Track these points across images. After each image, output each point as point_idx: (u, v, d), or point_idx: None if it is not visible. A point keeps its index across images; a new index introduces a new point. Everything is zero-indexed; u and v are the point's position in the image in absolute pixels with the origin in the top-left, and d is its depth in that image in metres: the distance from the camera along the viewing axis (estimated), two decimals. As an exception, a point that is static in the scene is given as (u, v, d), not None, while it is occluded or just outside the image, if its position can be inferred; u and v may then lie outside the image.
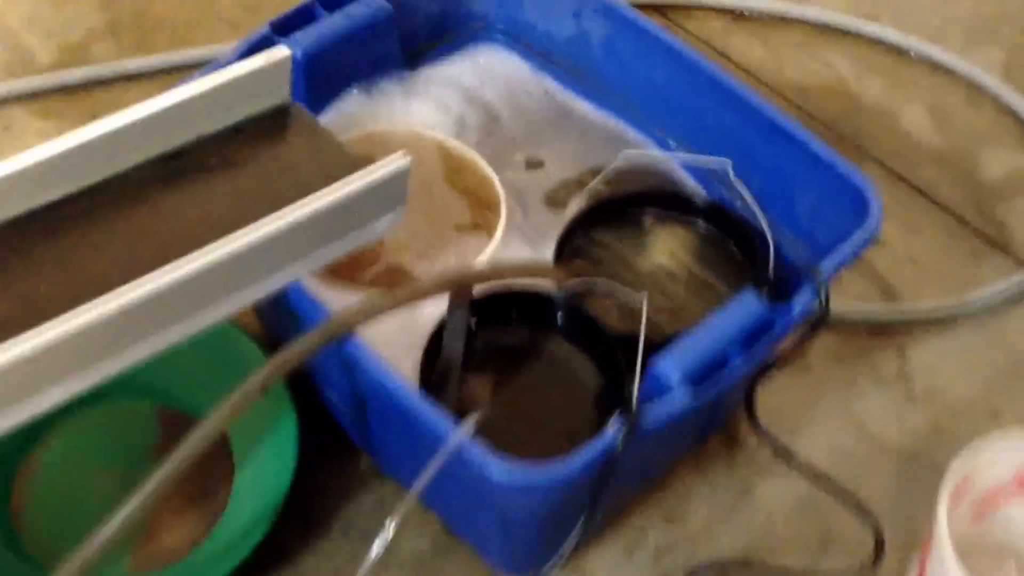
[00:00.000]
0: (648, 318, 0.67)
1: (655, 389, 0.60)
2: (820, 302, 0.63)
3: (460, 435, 0.57)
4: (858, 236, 0.66)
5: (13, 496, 0.72)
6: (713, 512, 0.75)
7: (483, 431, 0.62)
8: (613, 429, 0.58)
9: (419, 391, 0.66)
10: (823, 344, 0.83)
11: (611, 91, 0.81)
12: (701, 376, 0.60)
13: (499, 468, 0.57)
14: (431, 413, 0.59)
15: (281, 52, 0.65)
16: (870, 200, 0.67)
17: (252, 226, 0.58)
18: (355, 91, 0.78)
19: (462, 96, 0.81)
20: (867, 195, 0.67)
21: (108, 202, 0.61)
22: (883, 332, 0.84)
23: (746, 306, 0.62)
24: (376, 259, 0.73)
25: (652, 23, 0.76)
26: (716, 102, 0.73)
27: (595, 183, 0.76)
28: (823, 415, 0.80)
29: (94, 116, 0.89)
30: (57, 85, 0.93)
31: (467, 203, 0.76)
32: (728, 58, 1.01)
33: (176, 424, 0.74)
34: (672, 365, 0.60)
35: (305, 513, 0.72)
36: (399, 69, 0.80)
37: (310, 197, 0.60)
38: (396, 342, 0.68)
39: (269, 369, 0.57)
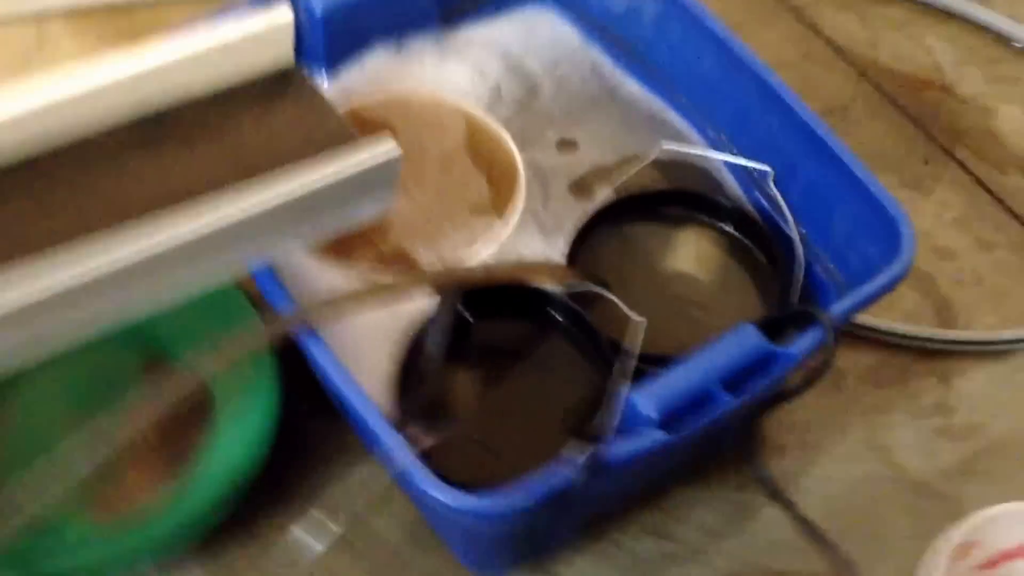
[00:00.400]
0: (664, 328, 0.63)
1: (631, 420, 0.57)
2: (828, 347, 0.58)
3: (405, 457, 0.54)
4: (882, 277, 0.61)
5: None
6: (709, 532, 0.71)
7: (465, 431, 0.60)
8: (573, 460, 0.55)
9: (395, 384, 0.64)
10: (862, 361, 0.77)
11: (660, 74, 0.75)
12: (679, 413, 0.56)
13: (444, 494, 0.54)
14: (382, 429, 0.56)
15: (282, 14, 0.61)
16: (902, 236, 0.61)
17: (216, 197, 0.56)
18: (384, 48, 0.74)
19: (502, 62, 0.76)
20: (900, 230, 0.62)
21: (81, 160, 0.59)
22: (929, 355, 0.78)
23: (742, 342, 0.58)
24: (381, 238, 0.69)
25: (703, 7, 0.70)
26: (761, 103, 0.68)
27: (627, 175, 0.71)
28: (850, 436, 0.75)
29: (133, 37, 0.88)
30: (99, 3, 0.90)
31: (487, 181, 0.72)
32: (818, 31, 0.94)
33: (162, 378, 0.72)
34: (648, 400, 0.56)
35: (284, 486, 0.70)
36: (435, 27, 0.76)
37: (285, 173, 0.57)
38: (382, 327, 0.65)
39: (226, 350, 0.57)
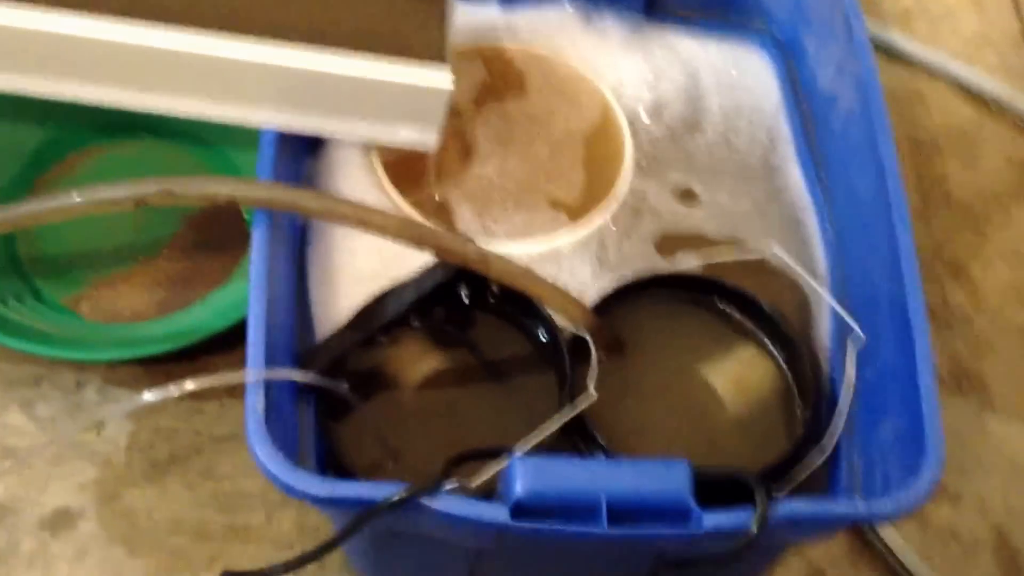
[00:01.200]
0: (656, 432, 0.57)
1: (504, 484, 0.48)
2: (752, 529, 0.47)
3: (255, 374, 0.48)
4: (863, 505, 0.49)
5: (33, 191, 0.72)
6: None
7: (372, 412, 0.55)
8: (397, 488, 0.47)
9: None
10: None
11: (826, 175, 0.64)
12: (544, 509, 0.47)
13: (256, 439, 0.48)
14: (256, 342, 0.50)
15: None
16: (923, 468, 0.49)
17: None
18: (572, 7, 0.67)
19: (684, 81, 0.67)
20: (925, 460, 0.49)
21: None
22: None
23: (659, 474, 0.48)
24: (441, 183, 0.63)
25: (888, 131, 0.58)
26: (884, 259, 0.56)
27: (722, 257, 0.61)
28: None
29: None
30: None
31: (585, 183, 0.64)
32: None
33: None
34: (524, 472, 0.47)
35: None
36: (636, 12, 0.68)
37: (331, 52, 0.54)
38: (373, 266, 0.59)
39: (153, 184, 0.53)
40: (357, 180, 0.61)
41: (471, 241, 0.55)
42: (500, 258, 0.55)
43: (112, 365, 0.66)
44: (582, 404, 0.53)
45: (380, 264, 0.58)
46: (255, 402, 0.49)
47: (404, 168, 0.61)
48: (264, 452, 0.48)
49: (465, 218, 0.62)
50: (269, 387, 0.50)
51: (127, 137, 0.73)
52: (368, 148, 0.61)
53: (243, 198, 0.53)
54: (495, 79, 0.66)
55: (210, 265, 0.69)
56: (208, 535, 0.62)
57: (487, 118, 0.65)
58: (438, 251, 0.54)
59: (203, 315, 0.66)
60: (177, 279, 0.68)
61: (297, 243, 0.59)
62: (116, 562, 0.61)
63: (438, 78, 0.54)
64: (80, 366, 0.66)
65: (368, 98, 0.55)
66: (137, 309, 0.68)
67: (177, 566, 0.61)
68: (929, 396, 0.51)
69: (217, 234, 0.69)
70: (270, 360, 0.51)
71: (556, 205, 0.63)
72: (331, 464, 0.54)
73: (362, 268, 0.58)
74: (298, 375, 0.51)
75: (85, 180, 0.71)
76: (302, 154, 0.60)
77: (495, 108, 0.66)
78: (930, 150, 0.80)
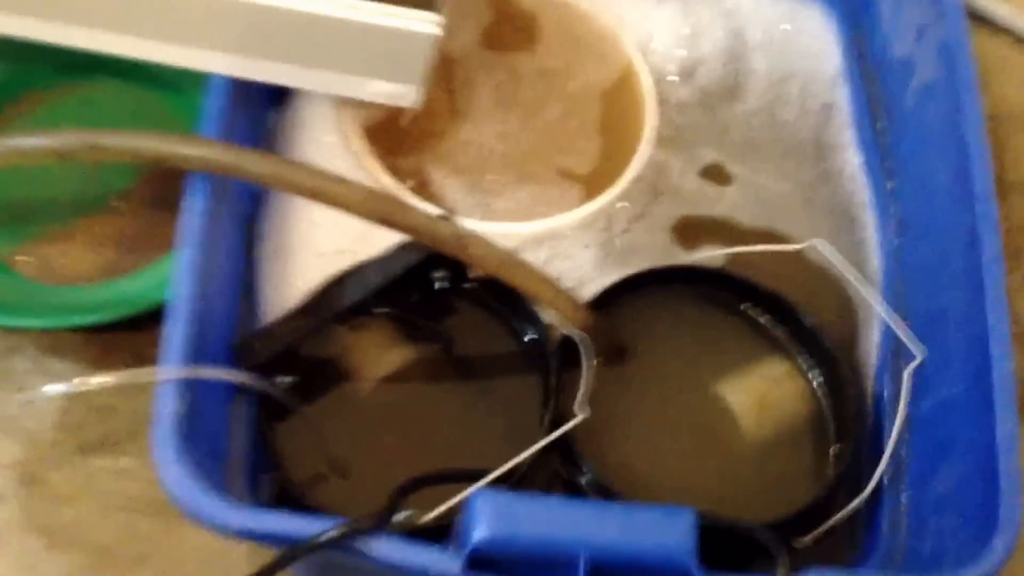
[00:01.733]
0: (658, 463, 0.48)
1: (462, 523, 0.39)
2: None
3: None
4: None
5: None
6: None
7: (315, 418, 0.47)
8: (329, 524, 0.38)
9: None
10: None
11: (893, 158, 0.54)
12: (510, 559, 0.39)
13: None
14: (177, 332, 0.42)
15: None
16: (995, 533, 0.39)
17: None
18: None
19: (725, 40, 0.58)
20: (999, 522, 0.40)
21: None
22: None
23: (655, 526, 0.39)
24: (425, 147, 0.54)
25: (978, 111, 0.48)
26: (963, 267, 0.46)
27: (753, 249, 0.51)
28: None
29: None
30: None
31: (600, 152, 0.55)
32: None
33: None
34: (488, 512, 0.38)
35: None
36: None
37: None
38: (336, 244, 0.50)
39: (76, 136, 0.46)
40: (325, 142, 0.53)
41: (447, 219, 0.45)
42: (480, 240, 0.46)
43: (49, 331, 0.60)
44: (570, 423, 0.44)
45: (347, 238, 0.50)
46: (165, 407, 0.40)
47: (383, 129, 0.54)
48: (170, 469, 0.39)
49: (455, 192, 0.53)
50: (192, 382, 0.42)
51: (89, 78, 0.65)
52: (339, 103, 0.53)
53: (177, 157, 0.45)
54: (501, 25, 0.58)
55: (165, 226, 0.60)
56: (138, 531, 0.55)
57: (488, 72, 0.57)
58: (407, 230, 0.45)
59: (151, 282, 0.59)
60: (127, 239, 0.61)
61: (248, 208, 0.51)
62: (33, 555, 0.54)
63: (423, 20, 0.46)
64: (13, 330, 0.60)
65: (339, 42, 0.47)
66: (81, 270, 0.61)
67: (101, 563, 0.54)
68: (1009, 439, 0.41)
69: (176, 191, 0.61)
70: (196, 351, 0.43)
71: (566, 178, 0.55)
72: (271, 473, 0.46)
73: (324, 241, 0.50)
74: (225, 373, 0.42)
75: (39, 123, 0.65)
76: (260, 108, 0.53)
77: (499, 60, 0.58)
78: (1009, 128, 0.70)
